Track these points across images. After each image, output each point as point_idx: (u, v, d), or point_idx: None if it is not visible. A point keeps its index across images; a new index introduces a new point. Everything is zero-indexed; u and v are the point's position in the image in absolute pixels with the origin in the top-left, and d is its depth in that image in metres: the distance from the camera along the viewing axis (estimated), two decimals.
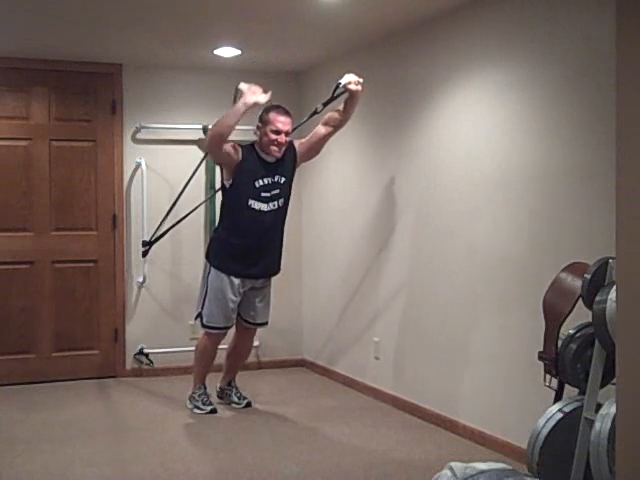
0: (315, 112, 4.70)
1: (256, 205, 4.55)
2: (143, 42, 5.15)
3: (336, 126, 4.66)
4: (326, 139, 4.72)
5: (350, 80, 4.46)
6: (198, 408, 4.80)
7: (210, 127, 4.47)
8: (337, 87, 4.52)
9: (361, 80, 4.49)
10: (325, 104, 4.64)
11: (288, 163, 4.69)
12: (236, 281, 4.64)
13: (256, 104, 4.41)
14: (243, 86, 4.42)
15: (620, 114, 2.07)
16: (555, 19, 3.64)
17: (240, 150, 4.56)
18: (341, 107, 4.61)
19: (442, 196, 4.49)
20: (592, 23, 3.43)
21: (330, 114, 4.65)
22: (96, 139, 5.78)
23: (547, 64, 3.69)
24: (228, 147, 4.51)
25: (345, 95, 4.54)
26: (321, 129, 4.68)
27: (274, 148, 4.56)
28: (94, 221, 5.80)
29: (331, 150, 5.64)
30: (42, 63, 5.59)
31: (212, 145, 4.50)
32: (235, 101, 4.50)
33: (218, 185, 5.19)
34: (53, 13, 4.39)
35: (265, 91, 4.40)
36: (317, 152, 4.82)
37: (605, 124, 3.24)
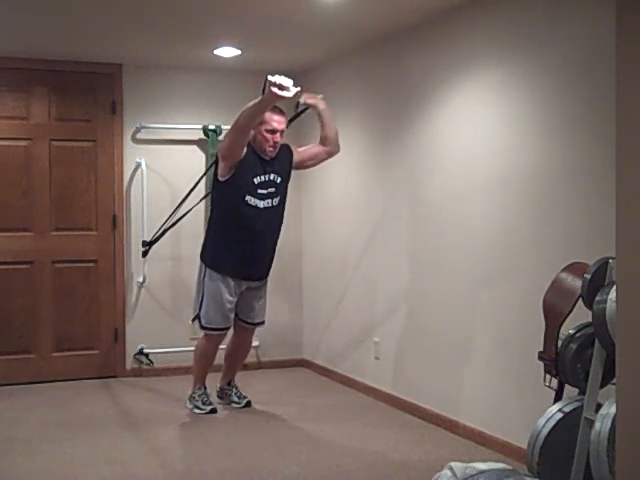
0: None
1: (252, 201, 4.56)
2: (143, 42, 5.15)
3: (328, 150, 4.85)
4: (319, 158, 4.88)
5: (307, 96, 4.72)
6: (198, 408, 4.80)
7: (239, 114, 4.35)
8: (297, 105, 4.77)
9: (319, 96, 4.76)
10: (290, 120, 4.81)
11: (284, 164, 4.70)
12: (232, 281, 4.65)
13: (282, 99, 4.11)
14: (271, 78, 4.05)
15: (620, 114, 2.07)
16: (555, 19, 3.64)
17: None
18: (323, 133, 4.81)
19: (442, 196, 4.49)
20: (592, 23, 3.43)
21: (322, 136, 4.82)
22: (96, 139, 5.79)
23: (547, 64, 3.69)
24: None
25: (306, 109, 4.78)
26: (316, 147, 4.85)
27: (269, 147, 4.58)
28: (94, 221, 5.80)
29: None
30: (42, 63, 5.60)
31: (244, 130, 4.38)
32: (264, 91, 4.16)
33: None
34: (53, 13, 4.39)
35: (295, 85, 4.09)
36: (309, 167, 4.98)
37: (605, 124, 3.24)
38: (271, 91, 4.03)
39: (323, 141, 4.81)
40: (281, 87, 4.02)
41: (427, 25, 4.56)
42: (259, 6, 4.25)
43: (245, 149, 4.52)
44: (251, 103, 4.29)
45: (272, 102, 4.21)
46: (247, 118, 4.32)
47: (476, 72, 4.19)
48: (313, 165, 4.94)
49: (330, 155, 4.88)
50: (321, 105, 4.74)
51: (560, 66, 3.62)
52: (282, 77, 4.04)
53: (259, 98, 4.21)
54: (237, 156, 4.50)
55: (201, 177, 5.48)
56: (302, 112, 4.84)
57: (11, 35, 4.90)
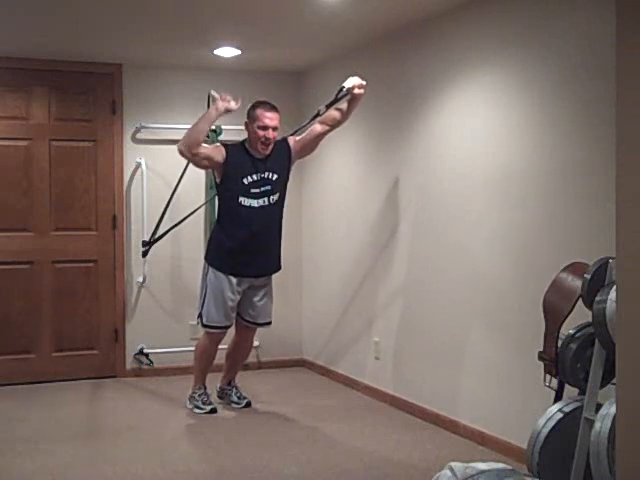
0: (317, 114, 4.71)
1: (246, 202, 4.57)
2: (143, 42, 5.15)
3: (333, 125, 4.71)
4: (321, 137, 4.76)
5: (354, 84, 4.52)
6: (198, 408, 4.80)
7: (182, 137, 4.58)
8: (340, 90, 4.57)
9: (364, 83, 4.54)
10: (328, 106, 4.67)
11: (281, 160, 4.70)
12: (234, 280, 4.65)
13: (227, 110, 4.55)
14: (215, 93, 4.57)
15: (620, 113, 2.07)
16: (555, 18, 3.64)
17: (223, 150, 4.59)
18: (342, 106, 4.65)
19: (442, 196, 4.49)
20: (592, 22, 3.43)
21: (329, 113, 4.68)
22: (96, 139, 5.79)
23: (547, 64, 3.69)
24: (207, 150, 4.55)
25: (347, 97, 4.58)
26: (317, 127, 4.72)
27: (261, 145, 4.59)
28: (94, 221, 5.80)
29: (331, 150, 5.65)
30: (42, 63, 5.59)
31: (187, 151, 4.51)
32: (208, 106, 4.65)
33: None
34: (53, 13, 4.39)
35: (235, 99, 4.53)
36: (312, 149, 4.86)
37: (605, 123, 3.25)
38: (215, 103, 4.50)
39: (331, 121, 4.68)
40: (224, 99, 4.51)
41: (427, 25, 4.56)
42: (259, 6, 4.26)
43: (224, 153, 4.56)
44: (196, 121, 4.55)
45: (215, 114, 4.53)
46: (191, 134, 4.50)
47: (476, 72, 4.19)
48: (317, 144, 4.81)
49: (330, 131, 4.75)
50: (361, 96, 4.58)
51: (560, 66, 3.61)
52: (223, 92, 4.52)
53: (203, 113, 4.58)
54: (212, 166, 4.62)
55: (184, 170, 5.42)
56: (342, 97, 4.59)
57: (11, 35, 4.90)
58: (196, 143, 4.49)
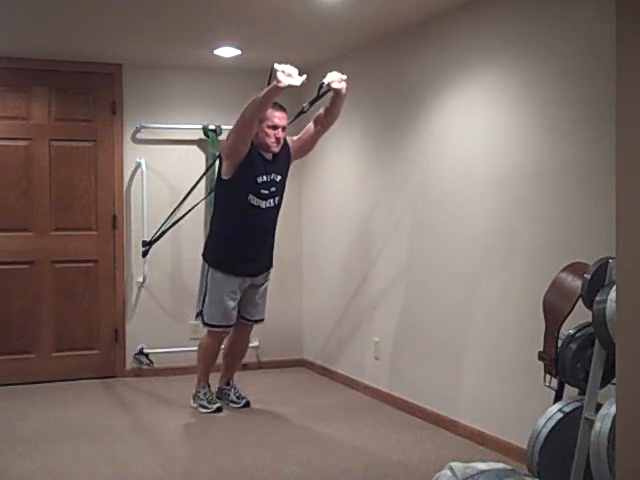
0: (302, 112, 4.74)
1: (255, 201, 4.56)
2: (143, 42, 5.15)
3: (325, 124, 4.67)
4: (317, 136, 4.75)
5: (333, 78, 4.44)
6: (204, 407, 4.79)
7: (245, 108, 4.34)
8: (321, 86, 4.53)
9: (344, 77, 4.46)
10: (311, 103, 4.67)
11: (283, 161, 4.71)
12: (235, 280, 4.65)
13: (289, 87, 4.15)
14: (278, 67, 4.14)
15: (620, 113, 2.07)
16: (555, 19, 3.64)
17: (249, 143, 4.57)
18: (329, 104, 4.60)
19: (441, 196, 4.49)
20: (592, 23, 3.43)
21: (320, 112, 4.67)
22: (96, 139, 5.79)
23: (547, 64, 3.69)
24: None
25: (331, 93, 4.54)
26: (312, 127, 4.72)
27: (272, 143, 4.57)
28: (94, 221, 5.80)
29: (331, 150, 5.65)
30: (42, 63, 5.60)
31: (249, 123, 4.36)
32: (269, 81, 4.29)
33: None
34: (53, 13, 4.39)
35: (300, 74, 4.16)
36: (309, 149, 4.86)
37: (605, 123, 3.24)
38: (278, 79, 4.08)
39: (322, 120, 4.65)
40: (288, 75, 4.09)
41: (427, 25, 4.57)
42: (259, 6, 4.26)
43: (248, 148, 4.52)
44: (258, 95, 4.29)
45: (279, 90, 4.17)
46: (254, 109, 4.31)
47: (476, 72, 4.19)
48: (314, 144, 4.80)
49: (324, 131, 4.73)
50: (344, 90, 4.48)
51: (560, 66, 3.62)
52: (288, 65, 4.11)
53: (265, 89, 4.25)
54: (241, 153, 4.49)
55: (200, 177, 5.47)
56: (324, 94, 4.59)
57: (11, 35, 4.90)
58: (255, 121, 4.37)
